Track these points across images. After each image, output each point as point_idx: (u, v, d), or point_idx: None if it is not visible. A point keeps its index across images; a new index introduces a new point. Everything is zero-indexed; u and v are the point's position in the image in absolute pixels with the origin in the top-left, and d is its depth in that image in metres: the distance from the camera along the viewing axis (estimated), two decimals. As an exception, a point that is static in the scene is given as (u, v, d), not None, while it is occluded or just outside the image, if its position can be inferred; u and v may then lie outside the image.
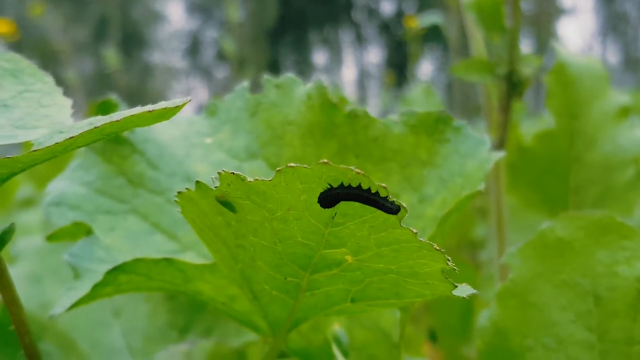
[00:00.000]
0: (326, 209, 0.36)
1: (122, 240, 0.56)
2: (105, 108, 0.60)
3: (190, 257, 0.57)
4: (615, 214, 1.04)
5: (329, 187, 0.35)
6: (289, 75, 0.63)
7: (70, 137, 0.35)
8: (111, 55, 3.03)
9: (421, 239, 0.36)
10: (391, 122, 0.60)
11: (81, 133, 0.35)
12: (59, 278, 0.85)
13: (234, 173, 0.36)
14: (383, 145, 0.59)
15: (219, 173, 0.37)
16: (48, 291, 0.84)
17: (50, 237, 0.56)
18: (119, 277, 0.48)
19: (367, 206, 0.36)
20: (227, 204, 0.38)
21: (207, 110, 0.65)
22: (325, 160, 0.34)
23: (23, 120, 0.43)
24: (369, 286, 0.41)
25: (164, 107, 0.35)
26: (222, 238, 0.41)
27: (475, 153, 0.58)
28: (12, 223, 0.42)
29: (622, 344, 0.58)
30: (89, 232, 0.54)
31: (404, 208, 0.35)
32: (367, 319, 0.57)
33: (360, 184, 0.35)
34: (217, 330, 0.79)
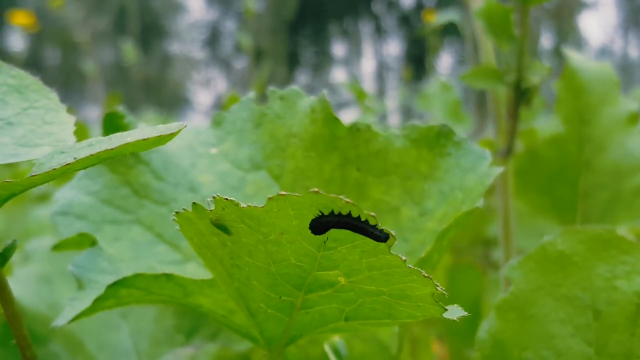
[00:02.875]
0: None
1: (126, 250, 0.58)
2: (112, 120, 0.60)
3: (192, 268, 0.58)
4: (624, 220, 1.05)
5: (320, 214, 0.36)
6: (293, 88, 0.64)
7: (67, 164, 0.36)
8: (129, 49, 3.05)
9: (410, 266, 0.36)
10: (393, 136, 0.60)
11: (79, 160, 0.36)
12: (69, 279, 0.86)
13: (227, 199, 0.36)
14: (385, 158, 0.60)
15: (213, 197, 0.37)
16: (58, 292, 0.85)
17: (56, 247, 0.57)
18: (120, 291, 0.49)
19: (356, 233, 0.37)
20: (221, 227, 0.39)
21: (213, 120, 0.66)
22: (315, 189, 0.34)
23: (26, 138, 0.44)
24: (362, 306, 0.42)
25: (158, 134, 0.36)
26: (219, 257, 0.42)
27: (476, 167, 0.59)
28: (14, 240, 0.43)
29: (621, 358, 0.59)
30: (93, 243, 0.55)
31: (393, 236, 0.36)
32: (365, 331, 0.58)
33: (350, 212, 0.36)
34: (222, 334, 0.80)
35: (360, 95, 3.29)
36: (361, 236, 0.37)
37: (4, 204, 0.40)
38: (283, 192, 0.35)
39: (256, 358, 0.82)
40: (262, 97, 0.67)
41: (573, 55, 1.05)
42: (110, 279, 0.53)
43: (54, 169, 0.36)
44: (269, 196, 0.35)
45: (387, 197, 0.60)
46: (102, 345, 0.81)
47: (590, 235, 0.61)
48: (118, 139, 0.36)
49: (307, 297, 0.42)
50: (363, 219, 0.36)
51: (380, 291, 0.40)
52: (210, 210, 0.38)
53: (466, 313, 0.40)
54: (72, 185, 0.60)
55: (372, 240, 0.37)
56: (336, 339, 0.57)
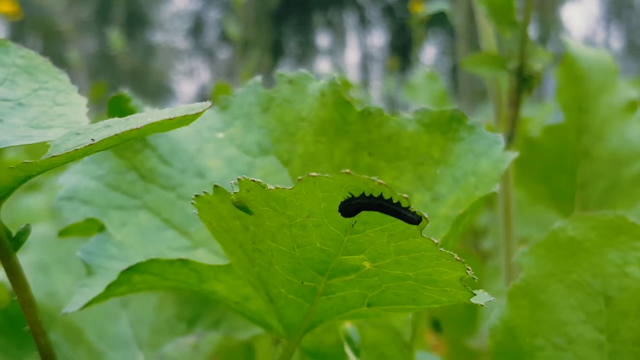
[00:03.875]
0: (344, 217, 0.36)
1: (133, 236, 0.56)
2: (117, 103, 0.59)
3: (201, 254, 0.57)
4: (622, 208, 1.04)
5: (350, 196, 0.35)
6: (302, 71, 0.63)
7: (91, 144, 0.35)
8: (116, 38, 3.02)
9: (441, 249, 0.36)
10: (405, 120, 0.59)
11: (101, 140, 0.35)
12: (67, 267, 0.85)
13: (254, 180, 0.35)
14: (396, 143, 0.59)
15: (238, 179, 0.36)
16: (56, 280, 0.84)
17: (62, 233, 0.56)
18: (133, 277, 0.48)
19: (387, 215, 0.36)
20: (245, 209, 0.38)
21: (219, 104, 0.65)
22: (347, 170, 0.34)
23: (38, 120, 0.43)
24: (386, 292, 0.41)
25: (184, 114, 0.35)
26: (239, 241, 0.41)
27: (489, 152, 0.58)
28: (28, 224, 0.42)
29: (632, 344, 0.59)
30: (101, 228, 0.54)
31: (426, 219, 0.35)
32: (378, 318, 0.57)
33: (382, 193, 0.35)
34: (225, 322, 0.79)
35: (344, 86, 3.27)
36: (391, 219, 0.36)
37: (20, 185, 0.39)
38: (313, 174, 0.34)
39: (259, 346, 0.82)
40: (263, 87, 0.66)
41: (572, 43, 1.05)
42: (120, 265, 0.52)
43: (77, 149, 0.35)
44: (299, 177, 0.34)
45: (399, 182, 0.59)
46: (102, 334, 0.80)
47: (601, 221, 0.61)
48: (142, 119, 0.35)
49: (330, 283, 0.41)
50: (395, 200, 0.35)
51: (406, 276, 0.39)
52: (234, 193, 0.37)
53: (494, 298, 0.40)
54: (77, 169, 0.59)
55: (402, 224, 0.36)
56: (348, 325, 0.56)
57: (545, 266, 0.61)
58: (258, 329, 0.77)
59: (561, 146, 1.06)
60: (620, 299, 0.59)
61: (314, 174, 0.34)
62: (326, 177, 0.34)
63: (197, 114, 0.36)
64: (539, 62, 0.88)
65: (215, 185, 0.39)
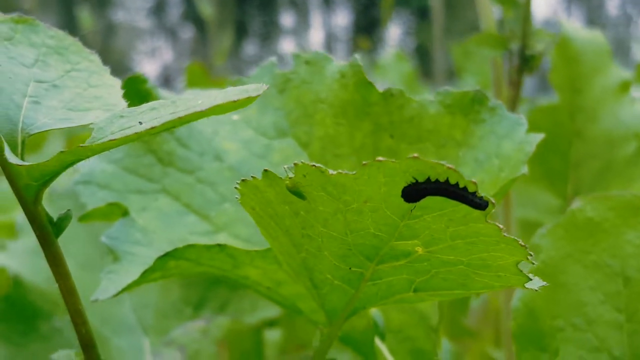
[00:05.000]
0: (403, 202, 0.35)
1: (154, 221, 0.55)
2: (133, 84, 0.58)
3: (223, 239, 0.56)
4: (616, 189, 1.05)
5: (414, 181, 0.34)
6: (319, 52, 0.62)
7: (152, 127, 0.33)
8: (86, 17, 2.97)
9: (505, 234, 0.35)
10: (426, 102, 0.59)
11: (165, 122, 0.33)
12: (66, 251, 0.83)
13: (314, 165, 0.35)
14: (418, 125, 0.58)
15: (295, 164, 0.35)
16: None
17: (84, 218, 0.55)
18: (169, 262, 0.47)
19: (449, 200, 0.35)
20: (299, 194, 0.37)
21: (232, 85, 0.64)
22: (415, 155, 0.33)
23: (74, 102, 0.41)
24: (435, 277, 0.40)
25: (247, 95, 0.34)
26: (285, 227, 0.40)
27: (511, 134, 0.58)
28: (69, 210, 0.40)
29: (652, 324, 0.59)
30: (125, 213, 0.53)
31: (493, 204, 0.34)
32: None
33: (447, 178, 0.34)
34: (231, 306, 0.78)
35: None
36: (453, 203, 0.35)
37: (66, 169, 0.38)
38: (380, 158, 0.33)
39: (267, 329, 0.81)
40: (225, 68, 0.65)
41: (567, 24, 1.05)
42: (145, 251, 0.51)
43: (137, 132, 0.34)
44: (364, 162, 0.33)
45: (421, 164, 0.58)
46: (106, 319, 0.78)
47: (619, 201, 0.61)
48: (207, 101, 0.34)
49: (378, 268, 0.40)
50: (462, 185, 0.34)
51: (458, 261, 0.39)
52: (290, 178, 0.36)
53: (547, 283, 0.39)
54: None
55: (463, 209, 0.35)
56: (373, 310, 0.55)
57: (564, 247, 0.61)
58: (266, 312, 0.77)
59: (555, 126, 1.07)
60: (639, 279, 0.60)
61: (380, 158, 0.33)
62: (391, 162, 0.33)
63: (258, 96, 0.35)
64: (540, 42, 0.87)
65: (266, 170, 0.38)
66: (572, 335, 0.60)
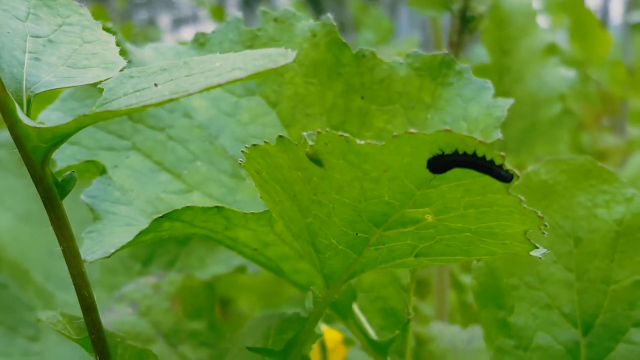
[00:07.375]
0: (424, 172, 0.36)
1: (127, 179, 0.54)
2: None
3: (196, 198, 0.55)
4: (541, 149, 1.09)
5: (440, 152, 0.34)
6: (289, 9, 0.61)
7: (188, 93, 0.32)
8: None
9: (525, 206, 0.36)
10: (397, 64, 0.59)
11: (207, 87, 0.32)
12: (3, 205, 0.79)
13: (340, 134, 0.34)
14: (388, 87, 0.59)
15: (318, 132, 0.35)
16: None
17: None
18: (164, 224, 0.46)
19: (469, 170, 0.36)
20: (317, 162, 0.37)
21: (195, 41, 0.62)
22: (447, 127, 0.33)
23: (73, 59, 0.39)
24: (438, 243, 0.41)
25: (282, 63, 0.33)
26: (294, 192, 0.40)
27: (478, 97, 0.59)
28: (73, 171, 0.39)
29: (600, 282, 0.62)
30: (103, 171, 0.51)
31: (517, 176, 0.35)
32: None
33: (475, 151, 0.34)
34: (179, 262, 0.78)
35: (215, 13, 3.19)
36: (472, 174, 0.36)
37: (76, 132, 0.36)
38: (412, 130, 0.33)
39: (219, 286, 0.80)
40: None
41: (499, -15, 1.07)
42: (126, 210, 0.50)
43: (172, 98, 0.32)
44: (394, 133, 0.34)
45: (390, 126, 0.59)
46: (49, 274, 0.76)
47: (572, 165, 0.63)
48: (252, 66, 0.33)
49: (384, 234, 0.41)
50: (489, 158, 0.35)
51: (466, 228, 0.39)
52: (310, 145, 0.36)
53: (548, 251, 0.41)
54: (57, 107, 0.55)
55: (482, 180, 0.36)
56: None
57: (519, 209, 0.64)
58: (215, 268, 0.76)
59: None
60: (589, 240, 0.63)
61: (412, 130, 0.33)
62: (422, 134, 0.34)
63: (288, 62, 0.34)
64: (482, 3, 0.89)
65: (280, 136, 0.37)
66: (525, 293, 0.63)
